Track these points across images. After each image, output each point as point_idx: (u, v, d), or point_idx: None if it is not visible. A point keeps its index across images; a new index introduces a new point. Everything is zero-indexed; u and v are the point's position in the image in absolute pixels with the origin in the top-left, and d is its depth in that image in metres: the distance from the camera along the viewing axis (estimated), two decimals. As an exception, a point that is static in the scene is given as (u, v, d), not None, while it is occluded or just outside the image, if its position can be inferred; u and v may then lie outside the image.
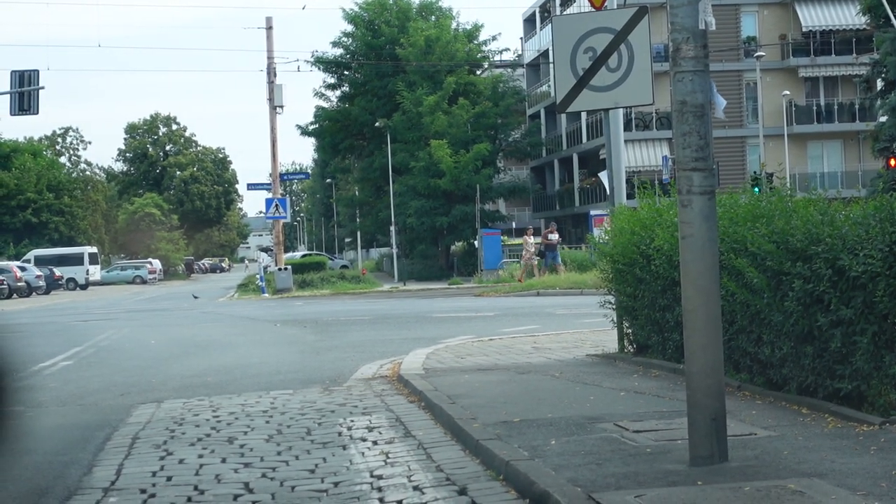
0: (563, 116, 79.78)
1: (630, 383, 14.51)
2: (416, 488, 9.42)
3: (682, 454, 9.34)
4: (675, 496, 7.98)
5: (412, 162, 71.59)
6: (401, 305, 41.72)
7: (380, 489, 9.52)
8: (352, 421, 13.20)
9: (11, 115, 50.85)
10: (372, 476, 10.04)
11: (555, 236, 53.45)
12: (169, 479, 10.32)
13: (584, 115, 72.53)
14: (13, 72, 49.96)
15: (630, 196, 35.90)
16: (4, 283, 68.58)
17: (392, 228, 73.07)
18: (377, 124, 73.44)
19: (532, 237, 53.99)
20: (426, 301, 44.98)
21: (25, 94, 49.76)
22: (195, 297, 58.07)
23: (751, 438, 10.14)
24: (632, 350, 17.56)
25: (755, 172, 58.38)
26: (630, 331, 17.59)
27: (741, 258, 12.51)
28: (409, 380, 15.92)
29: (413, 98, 72.13)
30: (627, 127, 67.05)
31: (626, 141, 53.68)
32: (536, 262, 52.68)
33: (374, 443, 11.68)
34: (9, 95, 50.21)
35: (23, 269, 76.02)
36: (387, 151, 72.74)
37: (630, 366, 16.42)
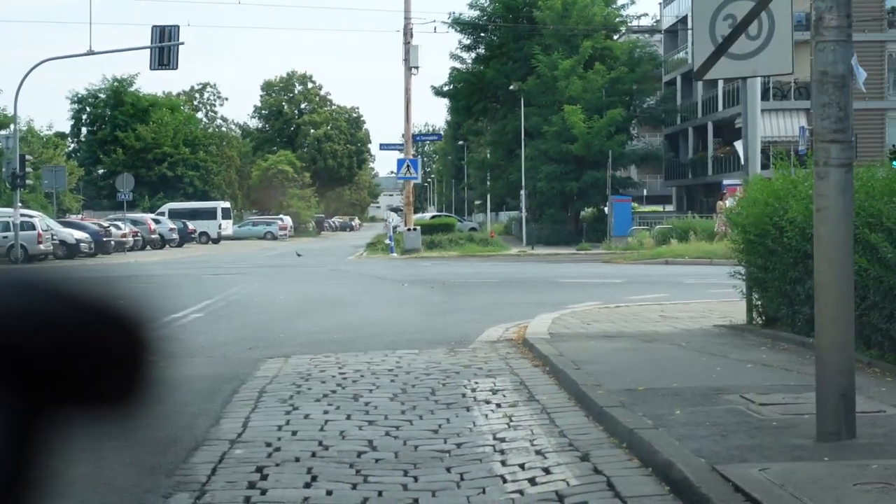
0: (700, 84, 78.82)
1: (757, 355, 14.36)
2: (538, 452, 9.42)
3: (809, 429, 9.22)
4: (800, 471, 7.89)
5: (545, 126, 71.34)
6: (528, 269, 41.72)
7: (502, 452, 9.52)
8: (476, 383, 13.23)
9: (151, 69, 51.73)
10: (495, 439, 10.05)
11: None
12: (294, 433, 10.43)
13: (720, 82, 71.58)
14: (154, 27, 50.79)
15: (764, 166, 35.47)
16: (139, 234, 69.86)
17: (522, 192, 73.02)
18: (511, 87, 73.29)
19: (728, 203, 53.03)
20: (553, 266, 44.93)
21: (165, 49, 50.54)
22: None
23: (880, 416, 9.98)
24: (760, 322, 17.37)
25: (894, 146, 57.37)
26: (759, 302, 17.40)
27: (877, 233, 12.30)
28: (535, 344, 15.93)
29: (548, 62, 71.84)
30: (765, 96, 66.02)
31: (762, 110, 52.96)
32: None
33: (498, 405, 11.71)
34: (149, 50, 50.99)
35: (157, 221, 77.35)
36: (520, 115, 72.59)
37: (758, 338, 16.26)
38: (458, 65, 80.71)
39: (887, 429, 9.41)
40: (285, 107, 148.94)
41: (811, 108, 9.36)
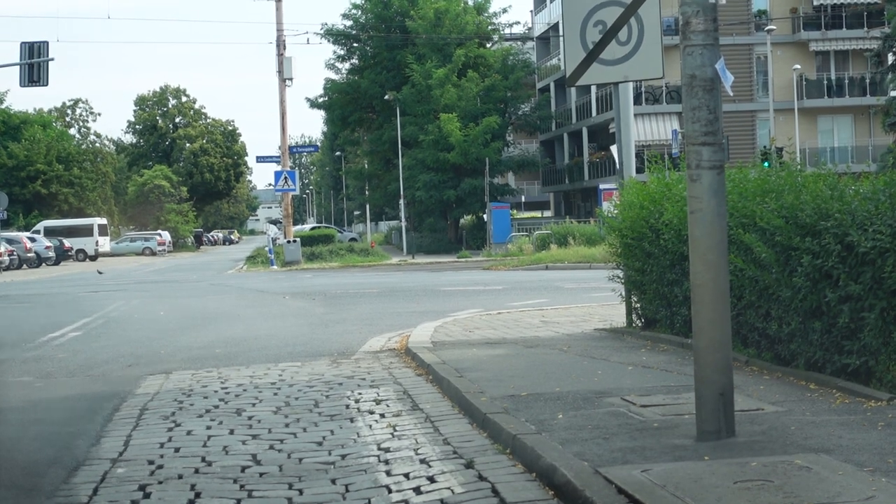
0: (573, 90, 79.64)
1: (638, 358, 14.50)
2: (423, 461, 9.43)
3: (690, 429, 9.35)
4: (681, 471, 7.99)
5: (421, 135, 71.53)
6: (409, 278, 41.73)
7: (387, 462, 9.52)
8: (359, 393, 13.21)
9: (21, 86, 50.91)
10: (379, 449, 10.04)
11: None
12: (177, 450, 10.34)
13: (593, 88, 72.30)
14: (23, 43, 49.94)
15: (640, 170, 35.87)
16: (14, 253, 68.66)
17: (401, 202, 73.10)
18: (386, 97, 73.37)
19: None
20: (435, 274, 45.00)
21: (35, 65, 49.74)
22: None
23: (758, 414, 10.13)
24: (640, 324, 17.55)
25: (765, 147, 58.33)
26: (638, 305, 17.58)
27: (750, 233, 12.49)
28: (417, 353, 15.93)
29: (422, 71, 72.04)
30: (637, 100, 66.90)
31: (635, 115, 53.58)
32: None
33: (382, 415, 11.69)
34: (19, 67, 50.22)
35: (32, 240, 76.04)
36: (396, 124, 72.71)
37: (638, 340, 16.42)
38: (333, 75, 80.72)
39: (765, 426, 9.55)
40: (159, 121, 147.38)
41: (682, 111, 9.48)
